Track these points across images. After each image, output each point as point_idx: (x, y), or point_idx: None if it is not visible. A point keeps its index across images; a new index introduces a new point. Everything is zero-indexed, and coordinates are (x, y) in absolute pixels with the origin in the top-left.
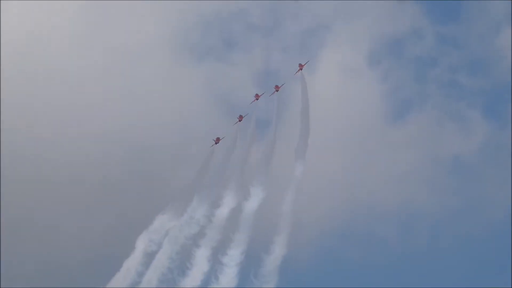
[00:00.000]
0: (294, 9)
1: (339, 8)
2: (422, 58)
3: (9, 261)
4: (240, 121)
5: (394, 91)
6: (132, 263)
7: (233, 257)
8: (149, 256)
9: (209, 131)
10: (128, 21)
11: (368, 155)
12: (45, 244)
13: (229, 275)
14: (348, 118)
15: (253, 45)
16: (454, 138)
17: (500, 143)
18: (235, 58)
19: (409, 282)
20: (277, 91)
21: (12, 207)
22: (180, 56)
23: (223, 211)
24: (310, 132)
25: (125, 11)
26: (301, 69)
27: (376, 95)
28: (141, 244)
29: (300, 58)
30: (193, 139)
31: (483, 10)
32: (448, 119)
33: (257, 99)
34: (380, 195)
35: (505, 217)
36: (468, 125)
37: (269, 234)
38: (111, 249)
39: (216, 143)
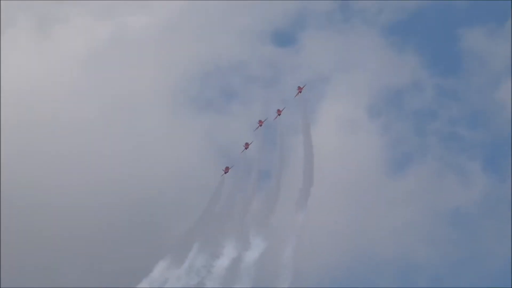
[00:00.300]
0: (294, 61)
1: (338, 60)
2: (422, 110)
3: None
4: (246, 148)
5: (394, 144)
6: None
7: None
8: None
9: (209, 181)
10: (128, 73)
11: (369, 207)
12: None
13: None
14: (348, 170)
15: (252, 97)
16: (454, 190)
17: (501, 195)
18: (235, 110)
19: None
20: (279, 115)
21: (12, 253)
22: (179, 107)
23: (224, 261)
24: (313, 181)
25: (124, 63)
26: (300, 92)
27: (376, 147)
28: None
29: (299, 110)
30: (193, 189)
31: (483, 63)
32: (448, 172)
33: (260, 125)
34: (380, 246)
35: (506, 270)
36: (469, 178)
37: (270, 285)
38: None
39: (225, 173)
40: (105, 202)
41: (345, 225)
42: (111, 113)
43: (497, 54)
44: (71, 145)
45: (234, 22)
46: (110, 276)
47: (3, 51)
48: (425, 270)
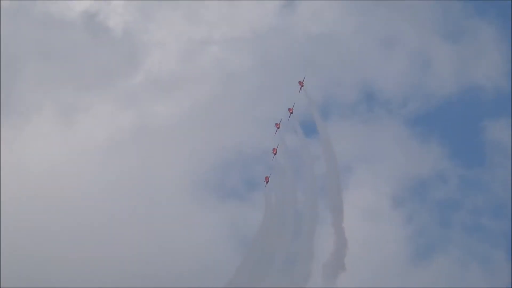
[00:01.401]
0: (317, 150)
1: (362, 150)
2: (446, 201)
3: None
4: (275, 154)
5: (418, 234)
6: None
7: None
8: None
9: (230, 269)
10: (149, 161)
11: None
12: None
13: None
14: (372, 260)
15: (275, 186)
16: (478, 280)
17: None
18: (257, 199)
19: None
20: (291, 113)
21: None
22: (201, 196)
23: None
24: (345, 266)
25: (146, 152)
26: (302, 86)
27: (400, 237)
28: None
29: (323, 200)
30: (214, 278)
31: (507, 154)
32: (472, 262)
33: (278, 128)
34: None
35: None
36: (493, 268)
37: None
38: None
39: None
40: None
41: None
42: (133, 201)
43: None
44: (91, 232)
45: (258, 111)
46: None
47: (28, 137)
48: None
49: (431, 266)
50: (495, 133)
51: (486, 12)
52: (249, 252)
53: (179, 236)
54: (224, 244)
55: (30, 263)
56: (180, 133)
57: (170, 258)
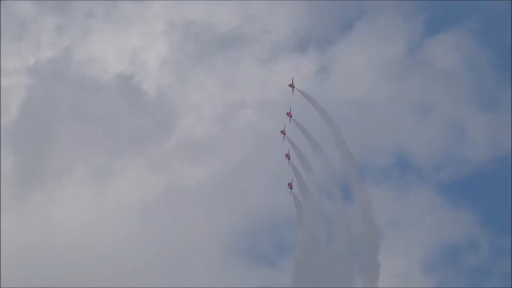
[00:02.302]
0: (347, 215)
1: (394, 215)
2: (477, 268)
3: None
4: (289, 159)
5: None
6: None
7: None
8: None
9: None
10: (180, 225)
11: None
12: None
13: None
14: None
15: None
16: None
17: None
18: (287, 264)
19: None
20: (291, 116)
21: None
22: (230, 260)
23: None
24: None
25: (176, 216)
26: (293, 87)
27: None
28: None
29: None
30: None
31: None
32: None
33: (285, 134)
34: None
35: None
36: None
37: None
38: None
39: (291, 189)
40: None
41: None
42: (163, 264)
43: None
44: None
45: (290, 176)
46: None
47: (60, 199)
48: None
49: None
50: None
51: None
52: None
53: None
54: None
55: None
56: (211, 197)
57: None
